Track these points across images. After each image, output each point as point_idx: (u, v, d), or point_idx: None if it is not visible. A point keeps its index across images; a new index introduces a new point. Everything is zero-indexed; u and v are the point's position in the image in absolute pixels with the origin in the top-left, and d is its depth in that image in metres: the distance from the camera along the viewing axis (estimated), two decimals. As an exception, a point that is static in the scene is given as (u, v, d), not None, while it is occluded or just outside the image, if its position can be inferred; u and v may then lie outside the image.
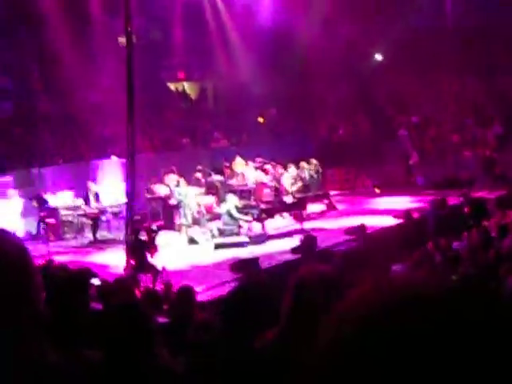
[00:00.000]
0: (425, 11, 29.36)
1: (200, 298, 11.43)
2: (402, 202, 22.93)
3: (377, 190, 26.44)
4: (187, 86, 32.17)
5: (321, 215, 22.30)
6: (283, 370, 2.53)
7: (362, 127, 31.38)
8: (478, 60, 28.42)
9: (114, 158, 23.73)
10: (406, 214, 20.01)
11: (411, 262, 15.67)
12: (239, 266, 15.25)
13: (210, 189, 21.86)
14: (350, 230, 18.56)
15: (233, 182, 22.45)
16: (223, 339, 3.51)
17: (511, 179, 24.17)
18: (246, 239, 18.48)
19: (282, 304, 2.92)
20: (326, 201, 23.09)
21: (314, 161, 24.04)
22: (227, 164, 23.50)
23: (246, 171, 22.66)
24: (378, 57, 31.31)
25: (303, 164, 23.62)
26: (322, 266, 3.15)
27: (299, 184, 22.54)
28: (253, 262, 15.49)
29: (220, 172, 23.15)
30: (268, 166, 23.10)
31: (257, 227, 19.34)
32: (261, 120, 29.73)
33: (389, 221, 19.98)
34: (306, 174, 23.24)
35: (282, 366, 2.60)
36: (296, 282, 2.87)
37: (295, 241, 17.58)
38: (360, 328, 0.85)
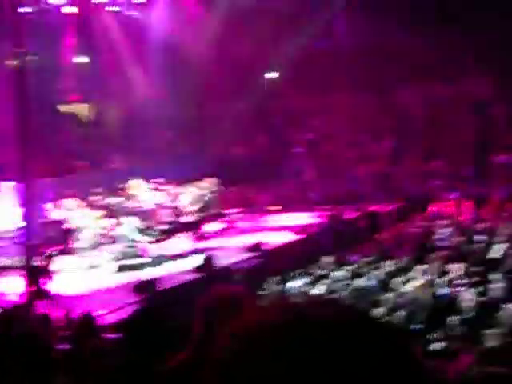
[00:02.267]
0: (318, 31, 29.92)
1: (102, 321, 11.29)
2: (300, 218, 23.26)
3: (275, 208, 26.69)
4: (81, 109, 31.74)
5: (220, 233, 22.37)
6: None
7: (259, 145, 31.66)
8: (371, 76, 29.13)
9: (7, 183, 23.14)
10: (304, 229, 20.33)
11: (310, 278, 15.93)
12: (141, 287, 15.16)
13: (108, 211, 21.61)
14: (248, 248, 18.72)
15: (129, 203, 22.25)
16: (127, 363, 3.48)
17: (405, 192, 24.88)
18: (147, 260, 18.37)
19: (194, 325, 2.91)
20: (225, 219, 23.19)
21: (212, 180, 24.11)
22: (123, 186, 23.27)
23: (144, 193, 22.54)
24: (273, 75, 31.73)
25: (202, 183, 23.66)
26: (232, 286, 3.18)
27: (198, 203, 22.56)
28: (151, 283, 15.43)
29: (117, 194, 22.92)
30: (167, 187, 23.05)
31: (156, 248, 19.24)
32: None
33: (288, 237, 20.24)
34: (205, 193, 23.28)
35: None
36: (206, 304, 2.88)
37: (195, 260, 17.60)
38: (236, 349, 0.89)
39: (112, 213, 21.36)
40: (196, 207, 22.36)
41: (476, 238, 18.06)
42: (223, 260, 17.78)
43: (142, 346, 3.36)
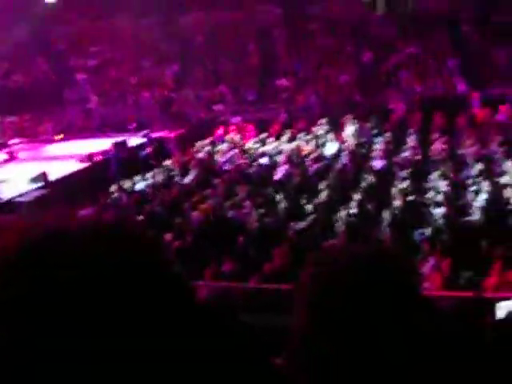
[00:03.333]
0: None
1: None
2: (85, 146, 22.73)
3: (58, 136, 25.94)
4: None
5: (1, 165, 21.46)
6: None
7: (40, 72, 30.44)
8: (155, 1, 28.70)
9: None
10: (89, 157, 19.94)
11: (98, 206, 15.73)
12: None
13: None
14: (33, 179, 18.10)
15: None
16: None
17: (189, 118, 24.99)
18: None
19: None
20: (5, 150, 22.24)
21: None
22: None
23: None
24: (51, 0, 30.39)
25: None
26: (8, 216, 2.95)
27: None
28: None
29: None
30: None
31: None
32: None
33: (73, 166, 19.77)
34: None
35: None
36: None
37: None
38: None
39: None
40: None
41: (260, 160, 18.60)
42: (6, 193, 17.09)
43: None
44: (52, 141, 25.27)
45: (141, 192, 16.90)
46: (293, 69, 26.56)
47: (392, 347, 1.02)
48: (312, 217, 13.51)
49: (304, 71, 26.30)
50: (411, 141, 18.10)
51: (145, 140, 22.06)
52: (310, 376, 1.05)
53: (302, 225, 13.19)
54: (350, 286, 1.08)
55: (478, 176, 14.51)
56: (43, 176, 18.05)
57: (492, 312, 8.28)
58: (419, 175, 15.30)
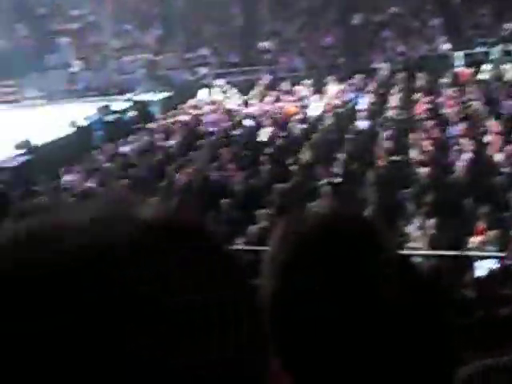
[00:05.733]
0: None
1: None
2: (68, 111, 22.52)
3: (41, 101, 25.79)
4: None
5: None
6: None
7: (21, 37, 30.13)
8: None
9: None
10: (73, 122, 19.83)
11: (83, 172, 15.71)
12: None
13: None
14: (17, 145, 17.99)
15: None
16: None
17: (173, 81, 24.87)
18: None
19: None
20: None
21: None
22: None
23: None
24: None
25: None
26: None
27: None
28: None
29: None
30: None
31: None
32: None
33: (56, 131, 19.68)
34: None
35: None
36: None
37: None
38: None
39: None
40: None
41: (244, 122, 18.57)
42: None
43: None
44: (35, 106, 25.10)
45: (125, 156, 16.85)
46: (276, 30, 26.43)
47: (360, 306, 1.04)
48: (296, 178, 13.52)
49: (287, 33, 26.18)
50: (394, 101, 18.10)
51: (129, 104, 21.94)
52: (282, 340, 1.06)
53: (286, 186, 13.20)
54: (318, 247, 1.10)
55: (461, 135, 14.55)
56: (26, 142, 17.95)
57: (472, 270, 8.38)
58: (403, 135, 15.33)
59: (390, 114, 17.01)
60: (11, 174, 15.65)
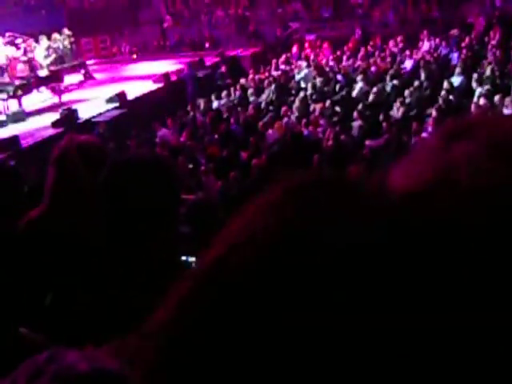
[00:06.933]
0: None
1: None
2: (160, 66, 22.82)
3: (134, 56, 26.13)
4: None
5: (79, 86, 21.75)
6: (53, 244, 2.47)
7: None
8: None
9: None
10: (165, 77, 20.03)
11: (176, 126, 15.91)
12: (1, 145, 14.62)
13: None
14: (109, 99, 18.32)
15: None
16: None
17: (263, 36, 24.80)
18: (4, 118, 17.67)
19: (46, 180, 2.75)
20: (82, 71, 22.48)
21: (66, 31, 23.03)
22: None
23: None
24: None
25: (55, 35, 22.56)
26: (83, 135, 2.97)
27: (53, 56, 21.63)
28: (14, 140, 14.91)
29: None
30: (19, 41, 21.83)
31: (14, 105, 18.50)
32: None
33: (148, 86, 19.93)
34: (59, 45, 22.30)
35: (51, 241, 2.52)
36: (57, 155, 2.71)
37: (55, 115, 17.08)
38: None
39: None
40: (52, 60, 21.46)
41: (337, 77, 18.43)
42: (84, 113, 17.37)
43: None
44: (128, 61, 25.47)
45: (217, 111, 16.95)
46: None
47: None
48: (388, 135, 13.38)
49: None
50: (490, 56, 17.61)
51: (220, 59, 22.01)
52: None
53: (377, 142, 13.09)
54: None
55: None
56: (120, 96, 18.25)
57: None
58: (498, 91, 14.91)
59: (487, 70, 16.52)
60: (106, 128, 15.94)
